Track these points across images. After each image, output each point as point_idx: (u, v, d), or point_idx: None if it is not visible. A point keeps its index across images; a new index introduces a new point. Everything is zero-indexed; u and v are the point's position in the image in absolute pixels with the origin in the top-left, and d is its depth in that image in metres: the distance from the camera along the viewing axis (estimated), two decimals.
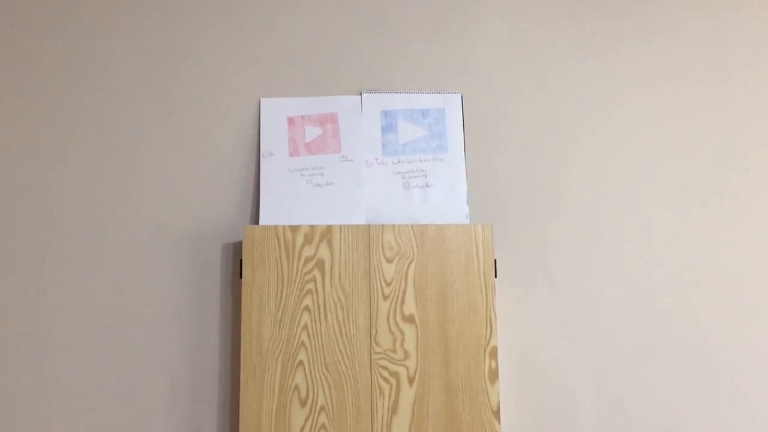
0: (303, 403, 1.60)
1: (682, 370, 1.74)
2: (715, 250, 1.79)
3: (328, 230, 1.66)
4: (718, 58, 1.87)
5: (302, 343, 1.62)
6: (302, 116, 1.80)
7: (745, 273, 1.78)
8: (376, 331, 1.63)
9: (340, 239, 1.66)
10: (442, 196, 1.77)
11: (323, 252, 1.65)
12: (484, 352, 1.63)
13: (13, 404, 1.68)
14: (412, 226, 1.67)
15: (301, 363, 1.61)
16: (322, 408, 1.60)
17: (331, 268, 1.65)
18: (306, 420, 1.59)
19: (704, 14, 1.88)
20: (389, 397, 1.61)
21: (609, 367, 1.74)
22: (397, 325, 1.63)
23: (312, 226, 1.66)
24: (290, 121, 1.80)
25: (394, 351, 1.63)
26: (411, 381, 1.62)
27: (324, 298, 1.64)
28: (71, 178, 1.77)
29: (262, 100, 1.81)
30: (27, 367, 1.69)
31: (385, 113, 1.81)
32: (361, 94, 1.82)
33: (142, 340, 1.72)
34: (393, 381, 1.61)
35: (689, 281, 1.78)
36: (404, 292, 1.64)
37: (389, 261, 1.66)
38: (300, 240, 1.65)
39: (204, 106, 1.81)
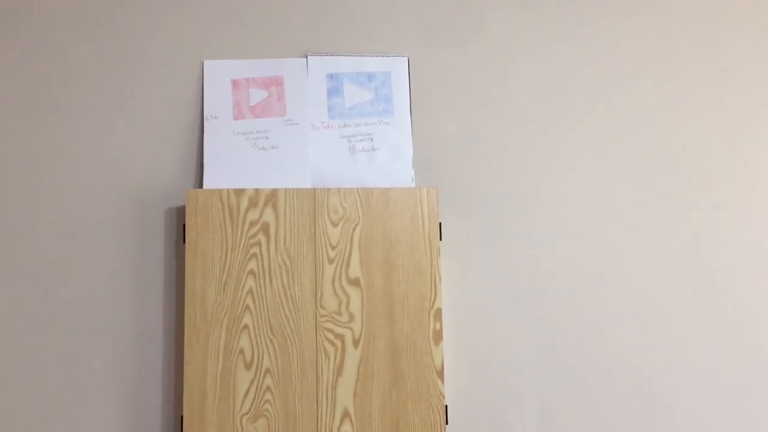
0: (248, 366, 1.60)
1: (625, 330, 1.79)
2: (659, 208, 1.83)
3: (273, 194, 1.65)
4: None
5: (247, 307, 1.62)
6: (247, 79, 1.77)
7: (687, 232, 1.83)
8: (322, 295, 1.64)
9: (285, 203, 1.65)
10: (387, 160, 1.77)
11: (268, 216, 1.64)
12: (429, 313, 1.65)
13: None
14: (357, 189, 1.67)
15: (246, 326, 1.61)
16: (268, 371, 1.61)
17: (276, 232, 1.64)
18: (251, 383, 1.60)
19: None
20: (335, 359, 1.62)
21: (551, 328, 1.78)
22: (342, 288, 1.64)
23: (257, 190, 1.65)
24: (234, 83, 1.77)
25: (340, 314, 1.63)
26: (356, 343, 1.63)
27: (269, 262, 1.63)
28: (8, 142, 1.72)
29: (205, 62, 1.78)
30: None
31: (331, 76, 1.80)
32: (306, 56, 1.80)
33: (85, 305, 1.69)
34: (338, 343, 1.63)
35: (632, 242, 1.81)
36: (349, 256, 1.65)
37: (334, 225, 1.66)
38: (244, 204, 1.64)
39: (145, 67, 1.77)
